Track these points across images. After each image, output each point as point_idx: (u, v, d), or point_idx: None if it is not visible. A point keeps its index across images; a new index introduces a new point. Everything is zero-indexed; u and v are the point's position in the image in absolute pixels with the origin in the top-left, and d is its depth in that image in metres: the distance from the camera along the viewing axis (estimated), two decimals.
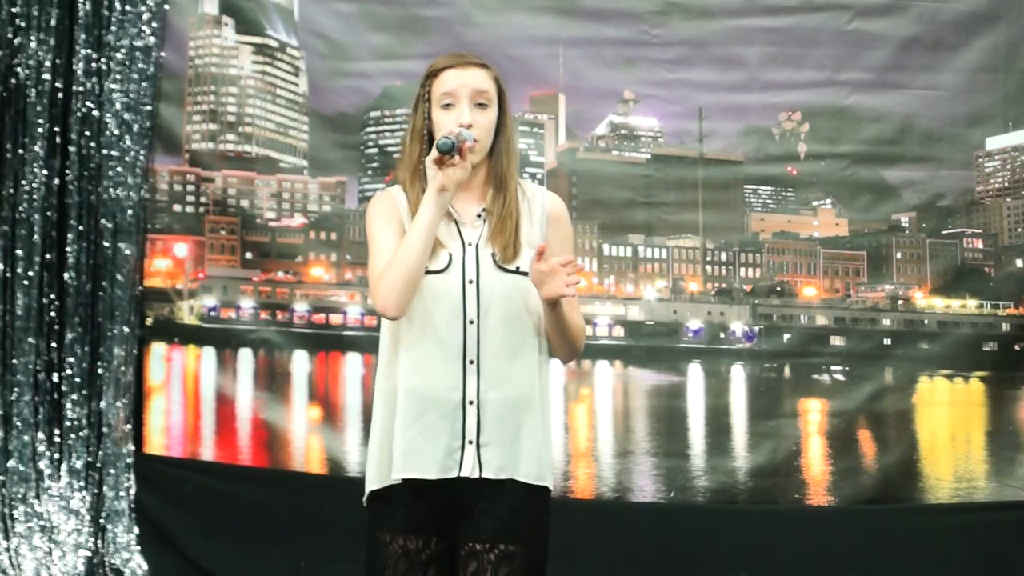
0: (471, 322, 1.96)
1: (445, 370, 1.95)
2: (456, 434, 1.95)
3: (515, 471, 1.96)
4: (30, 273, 4.03)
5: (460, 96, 1.99)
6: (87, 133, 4.13)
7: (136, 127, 4.22)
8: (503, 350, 1.97)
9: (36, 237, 4.04)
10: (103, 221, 4.14)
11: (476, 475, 1.95)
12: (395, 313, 1.93)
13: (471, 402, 1.95)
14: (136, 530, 4.12)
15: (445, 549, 1.98)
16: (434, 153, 1.88)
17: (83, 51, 4.11)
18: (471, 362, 1.96)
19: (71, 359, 4.08)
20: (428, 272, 1.97)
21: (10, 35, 4.00)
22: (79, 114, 4.11)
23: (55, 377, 4.06)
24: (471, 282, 1.97)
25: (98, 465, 4.10)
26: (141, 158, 4.24)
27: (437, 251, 1.98)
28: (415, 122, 2.05)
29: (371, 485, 2.02)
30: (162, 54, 4.31)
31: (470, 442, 1.95)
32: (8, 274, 4.01)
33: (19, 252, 4.02)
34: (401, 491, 1.97)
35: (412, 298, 1.93)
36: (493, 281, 1.98)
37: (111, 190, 4.15)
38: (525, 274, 1.99)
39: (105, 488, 4.10)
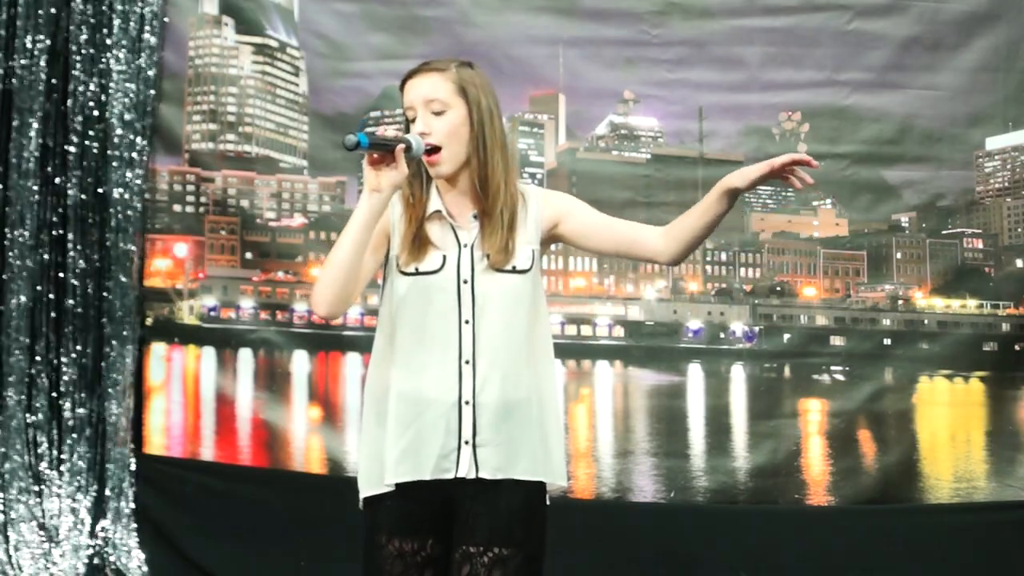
0: (466, 322, 1.96)
1: (440, 371, 1.95)
2: (452, 435, 1.95)
3: (512, 471, 1.96)
4: (31, 273, 4.03)
5: (416, 107, 1.98)
6: (88, 133, 4.13)
7: (137, 127, 4.22)
8: (499, 350, 1.96)
9: (37, 237, 4.04)
10: (104, 221, 4.15)
11: (473, 476, 1.95)
12: (324, 312, 1.92)
13: (467, 402, 1.95)
14: (136, 530, 4.12)
15: (442, 551, 1.97)
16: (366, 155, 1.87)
17: (84, 51, 4.11)
18: (467, 362, 1.96)
19: (71, 359, 4.09)
20: (421, 273, 1.97)
21: (10, 35, 4.00)
22: (79, 114, 4.11)
23: (55, 377, 4.06)
24: (465, 282, 1.97)
25: (98, 465, 4.10)
26: (142, 158, 4.24)
27: (430, 252, 1.98)
28: (404, 130, 2.05)
29: (365, 491, 2.01)
30: (162, 54, 4.32)
31: (466, 442, 1.95)
32: (8, 274, 4.01)
33: (19, 252, 4.02)
34: (397, 493, 1.96)
35: (345, 300, 1.92)
36: (488, 281, 1.98)
37: (111, 190, 4.15)
38: (521, 272, 1.99)
39: (105, 488, 4.10)
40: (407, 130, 2.01)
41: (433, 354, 1.96)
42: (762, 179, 1.95)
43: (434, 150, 1.97)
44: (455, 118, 1.98)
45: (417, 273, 1.98)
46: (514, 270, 1.99)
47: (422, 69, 2.00)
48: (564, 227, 2.09)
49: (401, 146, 1.87)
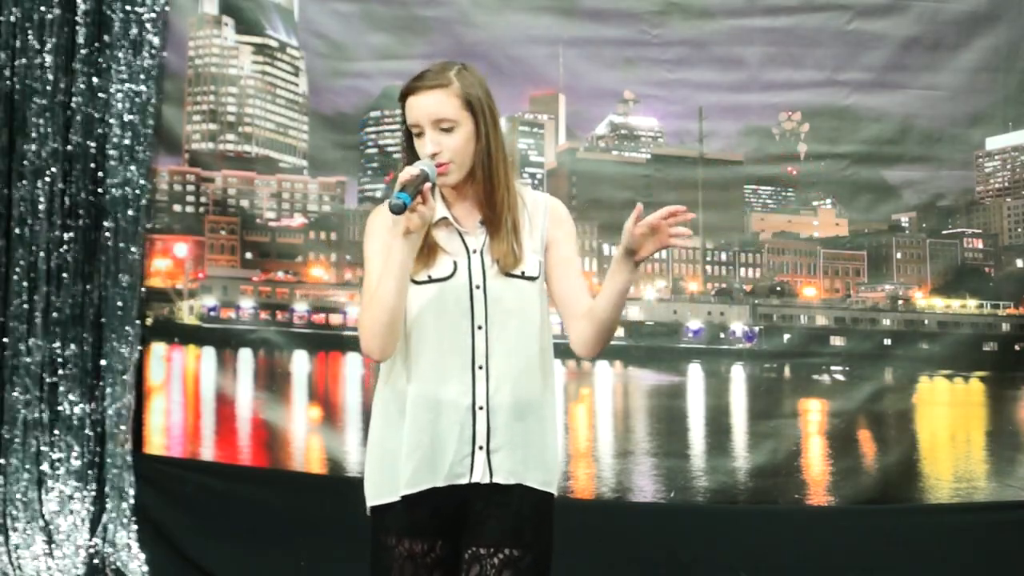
0: (479, 327, 1.96)
1: (454, 376, 1.95)
2: (466, 440, 1.95)
3: (525, 476, 1.97)
4: (32, 273, 4.03)
5: (423, 125, 1.95)
6: (88, 133, 4.13)
7: (138, 127, 4.22)
8: (511, 355, 1.97)
9: (38, 237, 4.04)
10: (105, 221, 4.15)
11: (487, 480, 1.95)
12: (379, 357, 1.93)
13: (480, 407, 1.95)
14: (136, 530, 4.12)
15: (450, 551, 1.97)
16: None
17: (85, 51, 4.11)
18: (480, 367, 1.95)
19: (72, 359, 4.09)
20: (434, 280, 1.96)
21: (12, 35, 4.00)
22: (81, 114, 4.11)
23: (56, 377, 4.06)
24: (478, 287, 1.97)
25: (98, 465, 4.10)
26: (143, 158, 4.24)
27: (441, 258, 1.97)
28: (403, 140, 2.03)
29: (374, 499, 2.01)
30: (163, 54, 4.32)
31: (480, 447, 1.95)
32: (9, 274, 4.01)
33: (21, 252, 4.02)
34: (407, 497, 1.95)
35: (395, 341, 1.92)
36: (500, 286, 1.98)
37: (113, 190, 4.15)
38: (530, 279, 2.00)
39: (105, 488, 4.10)
40: (408, 142, 1.99)
41: (447, 360, 1.95)
42: (638, 239, 1.88)
43: (443, 163, 1.95)
44: (464, 134, 1.95)
45: (430, 280, 1.97)
46: (523, 275, 1.99)
47: (424, 85, 1.95)
48: (548, 252, 2.06)
49: (428, 184, 1.85)
